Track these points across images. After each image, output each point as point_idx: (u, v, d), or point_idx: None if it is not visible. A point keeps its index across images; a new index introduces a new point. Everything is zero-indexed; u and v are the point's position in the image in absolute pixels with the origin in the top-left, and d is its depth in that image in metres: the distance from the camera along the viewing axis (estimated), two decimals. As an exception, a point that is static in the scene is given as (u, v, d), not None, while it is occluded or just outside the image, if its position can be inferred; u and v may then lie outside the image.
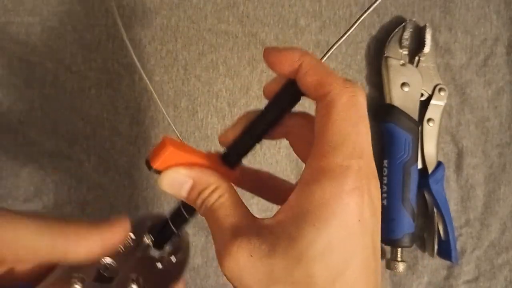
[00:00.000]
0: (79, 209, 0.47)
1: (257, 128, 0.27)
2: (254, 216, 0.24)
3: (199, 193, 0.26)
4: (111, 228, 0.28)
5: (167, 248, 0.31)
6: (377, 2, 0.27)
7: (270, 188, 0.31)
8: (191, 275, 0.47)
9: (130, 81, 0.48)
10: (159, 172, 0.26)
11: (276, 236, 0.22)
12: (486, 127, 0.51)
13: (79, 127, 0.47)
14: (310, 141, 0.24)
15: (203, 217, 0.26)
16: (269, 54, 0.25)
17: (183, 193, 0.26)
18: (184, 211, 0.29)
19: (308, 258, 0.21)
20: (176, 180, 0.26)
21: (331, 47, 0.26)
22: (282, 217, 0.23)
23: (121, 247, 0.29)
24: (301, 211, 0.22)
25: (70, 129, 0.47)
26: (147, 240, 0.30)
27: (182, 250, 0.31)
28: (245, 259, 0.22)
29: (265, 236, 0.22)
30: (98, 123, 0.47)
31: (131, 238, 0.30)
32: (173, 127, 0.35)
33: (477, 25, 0.51)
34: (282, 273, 0.21)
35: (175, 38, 0.49)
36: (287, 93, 0.26)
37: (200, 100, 0.48)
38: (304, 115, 0.28)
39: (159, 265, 0.30)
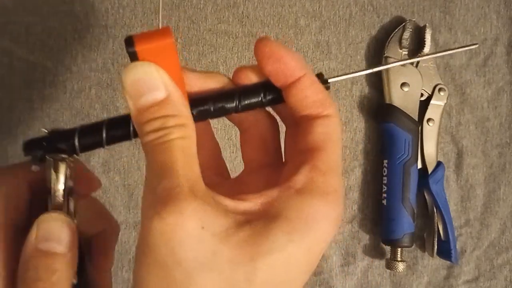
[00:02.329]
0: (79, 209, 0.47)
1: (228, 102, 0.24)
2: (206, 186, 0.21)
3: (164, 116, 0.21)
4: None
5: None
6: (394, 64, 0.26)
7: None
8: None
9: (130, 81, 0.48)
10: (135, 57, 0.20)
11: (238, 225, 0.20)
12: (486, 127, 0.51)
13: (79, 127, 0.47)
14: (264, 141, 0.25)
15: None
16: (265, 56, 0.23)
17: (145, 100, 0.21)
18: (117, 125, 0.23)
19: (264, 264, 0.19)
20: (149, 80, 0.21)
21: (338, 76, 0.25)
22: (252, 207, 0.21)
23: None
24: (278, 214, 0.20)
25: (70, 129, 0.47)
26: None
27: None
28: (194, 227, 0.19)
29: (225, 214, 0.20)
30: (98, 123, 0.47)
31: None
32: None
33: (477, 25, 0.51)
34: (226, 262, 0.19)
35: (175, 38, 0.48)
36: (271, 93, 0.24)
37: (200, 100, 0.48)
38: (269, 116, 0.26)
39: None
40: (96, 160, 0.47)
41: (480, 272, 0.50)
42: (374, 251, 0.50)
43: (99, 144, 0.23)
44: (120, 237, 0.47)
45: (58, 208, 0.23)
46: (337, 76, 0.25)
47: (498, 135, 0.51)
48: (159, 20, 0.40)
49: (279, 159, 0.27)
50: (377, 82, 0.50)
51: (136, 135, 0.23)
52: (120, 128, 0.23)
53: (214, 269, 0.19)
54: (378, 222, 0.49)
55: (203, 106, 0.23)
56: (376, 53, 0.50)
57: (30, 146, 0.24)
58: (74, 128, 0.23)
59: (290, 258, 0.20)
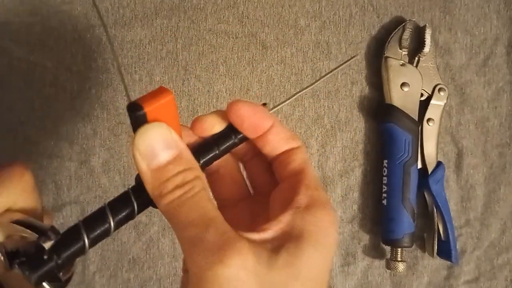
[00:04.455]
0: (79, 209, 0.47)
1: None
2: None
3: (182, 171, 0.22)
4: None
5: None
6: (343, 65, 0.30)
7: None
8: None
9: (131, 81, 0.48)
10: (143, 119, 0.21)
11: (274, 251, 0.22)
12: (486, 127, 0.51)
13: (79, 127, 0.47)
14: (234, 178, 0.29)
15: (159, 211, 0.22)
16: (239, 113, 0.26)
17: (160, 159, 0.21)
18: (134, 198, 0.23)
19: (305, 277, 0.22)
20: (163, 139, 0.21)
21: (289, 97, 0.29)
22: (276, 233, 0.23)
23: None
24: (301, 232, 0.23)
25: (70, 129, 0.47)
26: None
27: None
28: (252, 264, 0.21)
29: (260, 249, 0.22)
30: (98, 123, 0.47)
31: None
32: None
33: (477, 25, 0.51)
34: (279, 286, 0.21)
35: (175, 39, 0.49)
36: (238, 133, 0.26)
37: (200, 100, 0.49)
38: (232, 156, 0.29)
39: None
40: (96, 160, 0.47)
41: (480, 272, 0.50)
42: (374, 251, 0.50)
43: (106, 235, 0.23)
44: (120, 237, 0.47)
45: None
46: (277, 105, 0.29)
47: (498, 135, 0.51)
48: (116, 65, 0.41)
49: (248, 191, 0.30)
50: (377, 82, 0.50)
51: (140, 210, 0.23)
52: (124, 209, 0.23)
53: None
54: (378, 222, 0.49)
55: (205, 155, 0.25)
56: (376, 53, 0.50)
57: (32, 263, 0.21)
58: (79, 226, 0.22)
59: (320, 265, 0.23)
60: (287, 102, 0.29)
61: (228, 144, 0.26)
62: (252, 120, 0.26)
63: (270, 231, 0.23)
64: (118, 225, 0.22)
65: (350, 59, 0.32)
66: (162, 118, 0.21)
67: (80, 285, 0.47)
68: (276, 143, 0.27)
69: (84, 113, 0.47)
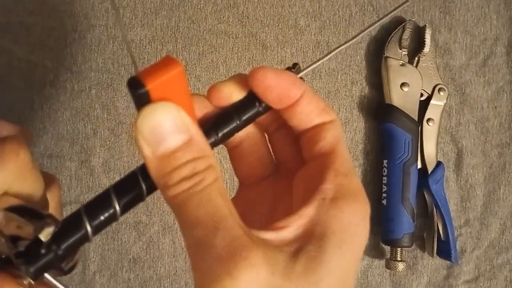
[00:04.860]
0: (79, 209, 0.47)
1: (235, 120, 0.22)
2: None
3: (193, 160, 0.19)
4: None
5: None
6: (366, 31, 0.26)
7: None
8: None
9: (130, 81, 0.48)
10: (146, 98, 0.17)
11: (292, 256, 0.19)
12: (486, 127, 0.51)
13: (79, 127, 0.47)
14: (257, 154, 0.24)
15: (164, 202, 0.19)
16: (264, 87, 0.22)
17: (167, 145, 0.18)
18: (143, 179, 0.20)
19: (327, 285, 0.19)
20: (172, 123, 0.18)
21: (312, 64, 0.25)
22: (296, 232, 0.20)
23: None
24: (325, 230, 0.20)
25: (70, 129, 0.47)
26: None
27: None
28: (266, 276, 0.18)
29: (279, 251, 0.19)
30: (98, 123, 0.47)
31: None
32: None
33: (477, 25, 0.51)
34: None
35: (175, 39, 0.49)
36: (262, 101, 0.23)
37: (200, 100, 0.48)
38: (256, 127, 0.25)
39: None
40: (96, 160, 0.47)
41: (480, 272, 0.50)
42: (374, 251, 0.50)
43: (112, 221, 0.20)
44: (120, 237, 0.47)
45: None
46: (311, 65, 0.25)
47: (498, 135, 0.51)
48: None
49: (274, 168, 0.26)
50: (377, 82, 0.50)
51: (149, 192, 0.20)
52: (131, 192, 0.20)
53: None
54: (378, 222, 0.49)
55: (224, 127, 0.22)
56: (376, 53, 0.50)
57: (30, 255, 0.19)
58: (80, 213, 0.20)
59: (346, 270, 0.20)
60: (325, 59, 0.25)
61: (250, 114, 0.22)
62: (278, 90, 0.22)
63: (290, 229, 0.20)
64: (125, 209, 0.20)
65: (400, 5, 0.28)
66: (169, 95, 0.18)
67: (80, 285, 0.47)
68: (306, 116, 0.23)
69: (84, 113, 0.47)
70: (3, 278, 0.19)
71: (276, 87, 0.22)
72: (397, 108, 0.47)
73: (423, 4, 0.51)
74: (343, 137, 0.23)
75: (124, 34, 0.46)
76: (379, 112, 0.49)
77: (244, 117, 0.22)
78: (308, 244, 0.19)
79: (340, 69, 0.50)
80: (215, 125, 0.22)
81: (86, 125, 0.47)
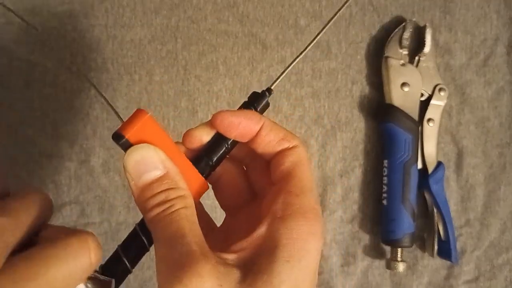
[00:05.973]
0: (79, 209, 0.47)
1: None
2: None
3: (165, 190, 0.23)
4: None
5: None
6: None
7: None
8: None
9: (130, 81, 0.48)
10: (128, 144, 0.22)
11: (247, 268, 0.21)
12: (486, 127, 0.51)
13: (79, 127, 0.47)
14: (235, 185, 0.28)
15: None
16: (224, 124, 0.25)
17: (146, 178, 0.23)
18: (142, 233, 0.24)
19: None
20: (148, 160, 0.23)
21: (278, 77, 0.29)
22: (251, 250, 0.22)
23: None
24: (274, 245, 0.22)
25: (70, 129, 0.47)
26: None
27: None
28: (212, 286, 0.20)
29: (232, 268, 0.21)
30: (98, 123, 0.47)
31: None
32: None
33: (477, 25, 0.51)
34: None
35: (175, 38, 0.48)
36: (229, 140, 0.27)
37: (200, 100, 0.48)
38: (232, 161, 0.29)
39: None
40: (96, 160, 0.47)
41: (480, 272, 0.50)
42: (374, 251, 0.50)
43: (126, 275, 0.24)
44: (120, 237, 0.47)
45: None
46: (276, 80, 0.29)
47: (498, 135, 0.51)
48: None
49: (253, 195, 0.29)
50: (377, 82, 0.50)
51: (150, 243, 0.24)
52: (136, 247, 0.24)
53: None
54: (378, 222, 0.49)
55: (198, 166, 0.26)
56: (376, 53, 0.50)
57: None
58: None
59: (296, 280, 0.22)
60: (288, 69, 0.29)
61: (220, 152, 0.26)
62: (239, 129, 0.25)
63: (244, 249, 0.23)
64: (134, 262, 0.24)
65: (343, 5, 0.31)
66: (145, 138, 0.22)
67: (80, 285, 0.47)
68: (267, 144, 0.26)
69: (84, 113, 0.47)
70: None
71: (236, 127, 0.25)
72: (398, 108, 0.47)
73: (424, 4, 0.51)
74: (304, 160, 0.26)
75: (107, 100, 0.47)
76: (379, 112, 0.49)
77: (216, 156, 0.26)
78: (260, 258, 0.22)
79: (340, 69, 0.50)
80: (195, 164, 0.26)
81: (86, 125, 0.47)
